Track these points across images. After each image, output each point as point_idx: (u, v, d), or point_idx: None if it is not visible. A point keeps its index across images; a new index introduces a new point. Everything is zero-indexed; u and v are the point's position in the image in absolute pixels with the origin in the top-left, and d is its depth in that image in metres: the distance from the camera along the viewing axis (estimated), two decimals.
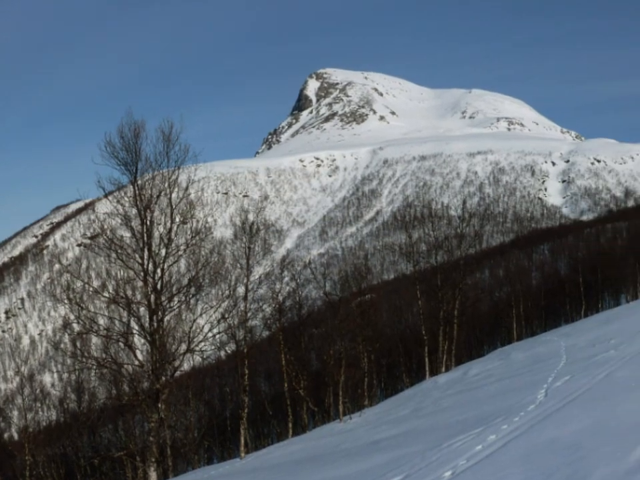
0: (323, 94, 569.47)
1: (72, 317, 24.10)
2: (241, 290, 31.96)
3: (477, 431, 13.84)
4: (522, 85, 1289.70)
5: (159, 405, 23.44)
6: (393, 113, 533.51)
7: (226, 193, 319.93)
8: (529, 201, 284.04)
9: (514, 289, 72.43)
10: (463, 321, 50.42)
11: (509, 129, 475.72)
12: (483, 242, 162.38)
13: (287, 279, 40.32)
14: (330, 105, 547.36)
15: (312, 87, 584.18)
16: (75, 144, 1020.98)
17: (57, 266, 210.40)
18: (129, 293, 23.97)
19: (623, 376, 14.59)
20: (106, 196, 24.26)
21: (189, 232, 25.04)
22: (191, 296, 25.27)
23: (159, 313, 23.69)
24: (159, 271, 23.80)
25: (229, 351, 40.59)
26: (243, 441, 30.84)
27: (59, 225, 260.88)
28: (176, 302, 24.77)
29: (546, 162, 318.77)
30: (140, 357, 24.83)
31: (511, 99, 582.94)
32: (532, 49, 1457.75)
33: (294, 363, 37.39)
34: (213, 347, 29.43)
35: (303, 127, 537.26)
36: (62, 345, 65.55)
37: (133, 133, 23.38)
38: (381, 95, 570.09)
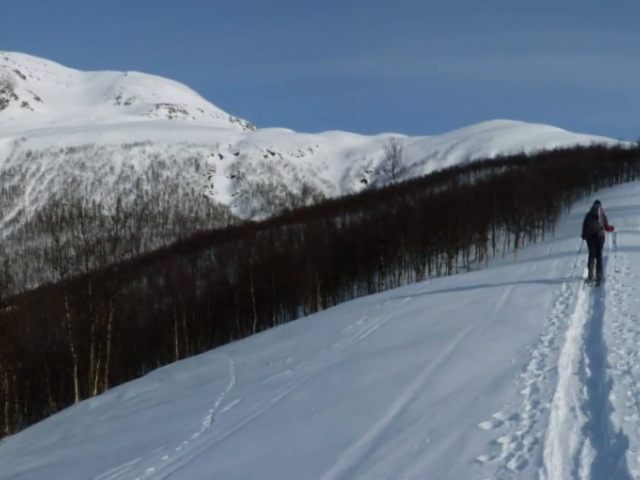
0: None
1: None
2: None
3: (134, 462, 13.64)
4: (185, 67, 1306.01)
5: None
6: (38, 99, 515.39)
7: None
8: (193, 199, 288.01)
9: (176, 300, 72.01)
10: (117, 336, 50.01)
11: (170, 117, 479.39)
12: (140, 246, 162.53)
13: None
14: None
15: None
16: None
17: None
18: None
19: (300, 399, 14.53)
20: None
21: None
22: None
23: None
24: None
25: None
26: None
27: None
28: None
29: (212, 155, 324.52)
30: None
31: (172, 82, 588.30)
32: (193, 27, 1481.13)
33: None
34: None
35: None
36: None
37: None
38: (24, 78, 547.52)
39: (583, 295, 20.03)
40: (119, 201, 65.47)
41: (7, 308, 45.26)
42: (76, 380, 43.76)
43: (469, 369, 13.26)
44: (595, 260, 22.51)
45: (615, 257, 27.54)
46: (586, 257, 23.77)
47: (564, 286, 21.57)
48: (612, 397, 9.81)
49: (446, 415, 10.52)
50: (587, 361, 12.63)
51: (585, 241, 23.61)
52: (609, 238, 28.73)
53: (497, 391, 11.24)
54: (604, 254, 24.36)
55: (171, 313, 69.35)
